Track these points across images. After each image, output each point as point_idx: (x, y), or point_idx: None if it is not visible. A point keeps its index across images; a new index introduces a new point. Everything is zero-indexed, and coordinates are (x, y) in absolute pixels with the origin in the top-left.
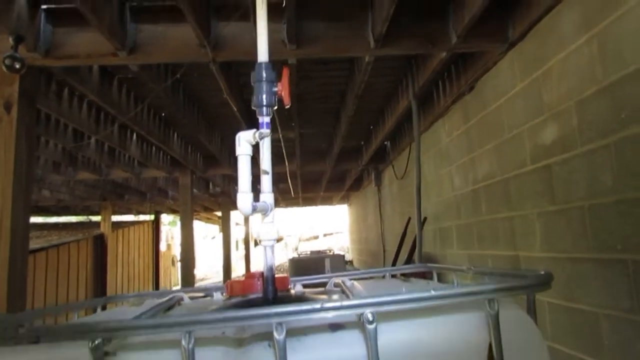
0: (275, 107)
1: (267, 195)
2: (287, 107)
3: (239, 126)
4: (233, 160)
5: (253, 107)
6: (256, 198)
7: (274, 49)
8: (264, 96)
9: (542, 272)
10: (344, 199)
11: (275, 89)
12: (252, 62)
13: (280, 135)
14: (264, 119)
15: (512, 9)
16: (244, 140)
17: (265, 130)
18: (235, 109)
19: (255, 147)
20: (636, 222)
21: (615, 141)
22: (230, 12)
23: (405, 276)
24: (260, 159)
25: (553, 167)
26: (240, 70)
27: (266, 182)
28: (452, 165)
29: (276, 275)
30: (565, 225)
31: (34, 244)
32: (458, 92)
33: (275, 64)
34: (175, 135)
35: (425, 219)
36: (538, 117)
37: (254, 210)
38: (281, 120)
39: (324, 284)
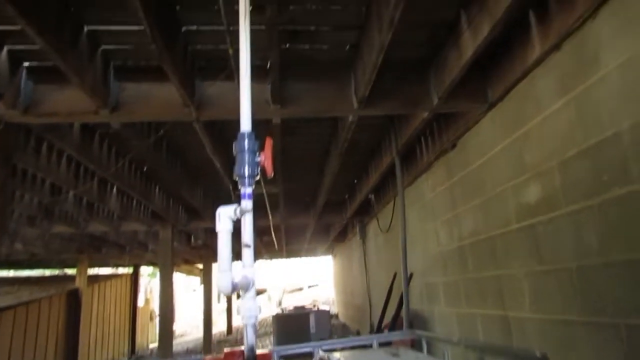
0: (258, 177)
1: (248, 269)
2: (270, 177)
3: (223, 180)
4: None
5: (235, 178)
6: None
7: (258, 108)
8: (246, 167)
9: (538, 355)
10: (328, 250)
11: (258, 159)
12: (238, 119)
13: (264, 190)
14: (246, 190)
15: (490, 72)
16: (224, 216)
17: (247, 206)
18: (218, 165)
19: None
20: (625, 285)
21: (599, 203)
22: (216, 72)
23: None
24: (242, 232)
25: (538, 227)
26: (224, 126)
27: (248, 255)
28: (437, 221)
29: (258, 352)
30: (553, 286)
31: (0, 302)
32: (441, 149)
33: (259, 126)
34: (157, 188)
35: (411, 275)
36: (521, 176)
37: (235, 289)
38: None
39: (309, 353)
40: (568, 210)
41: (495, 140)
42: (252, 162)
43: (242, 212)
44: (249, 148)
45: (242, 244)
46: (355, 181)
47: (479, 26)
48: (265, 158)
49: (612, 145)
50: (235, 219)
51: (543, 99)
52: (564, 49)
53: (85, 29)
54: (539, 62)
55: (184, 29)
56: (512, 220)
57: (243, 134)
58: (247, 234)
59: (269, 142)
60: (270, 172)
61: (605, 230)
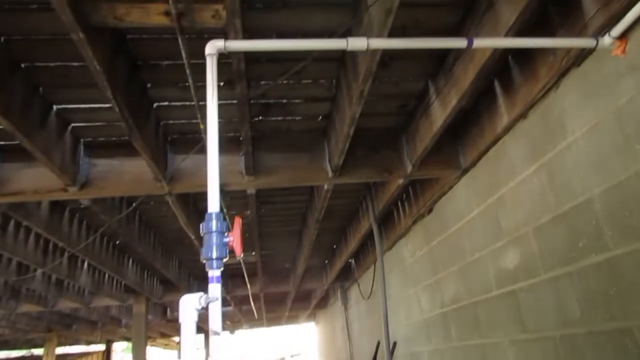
0: (226, 259)
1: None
2: (240, 257)
3: (198, 251)
4: (192, 285)
5: (202, 260)
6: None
7: (232, 180)
8: (214, 248)
9: None
10: (310, 317)
11: (227, 240)
12: None
13: (241, 260)
14: (214, 273)
15: (462, 138)
16: (188, 306)
17: (215, 292)
18: (193, 237)
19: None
20: (611, 356)
21: (577, 270)
22: (189, 145)
23: None
24: (209, 319)
25: (519, 293)
26: (199, 197)
27: (216, 344)
28: (418, 286)
29: None
30: (539, 356)
31: None
32: (418, 213)
33: (236, 194)
34: (130, 262)
35: (395, 344)
36: (498, 241)
37: None
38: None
39: None
40: (547, 277)
41: (471, 205)
42: (220, 243)
43: (209, 301)
44: (216, 229)
45: (210, 332)
46: (335, 246)
47: (447, 97)
48: (234, 238)
49: (585, 211)
50: (199, 308)
51: (515, 164)
52: (530, 117)
53: (55, 108)
54: (507, 129)
55: (155, 105)
56: (493, 286)
57: (210, 215)
58: (216, 322)
59: (237, 222)
60: (239, 253)
61: (586, 298)
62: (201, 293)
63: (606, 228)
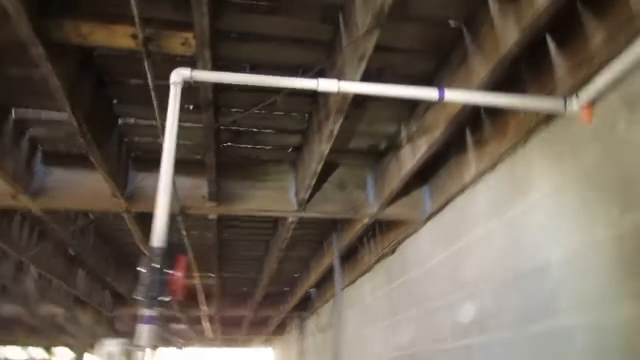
0: (167, 299)
1: None
2: (179, 299)
3: None
4: None
5: (136, 296)
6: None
7: (194, 203)
8: (151, 286)
9: None
10: (267, 342)
11: (167, 278)
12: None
13: (198, 281)
14: (148, 313)
15: (430, 183)
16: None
17: (142, 337)
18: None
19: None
20: None
21: (530, 333)
22: (153, 164)
23: None
24: None
25: (473, 348)
26: None
27: None
28: (376, 325)
29: None
30: None
31: None
32: (381, 252)
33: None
34: (81, 271)
35: None
36: (456, 292)
37: None
38: (200, 264)
39: None
40: (500, 336)
41: (433, 251)
42: (159, 280)
43: (131, 350)
44: (157, 266)
45: None
46: (297, 275)
47: (418, 143)
48: (176, 279)
49: (542, 275)
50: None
51: (479, 217)
52: (498, 171)
53: (13, 116)
54: (475, 180)
55: (120, 121)
56: (448, 336)
57: (155, 250)
58: None
59: (182, 262)
60: (180, 295)
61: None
62: (124, 339)
63: (562, 294)
